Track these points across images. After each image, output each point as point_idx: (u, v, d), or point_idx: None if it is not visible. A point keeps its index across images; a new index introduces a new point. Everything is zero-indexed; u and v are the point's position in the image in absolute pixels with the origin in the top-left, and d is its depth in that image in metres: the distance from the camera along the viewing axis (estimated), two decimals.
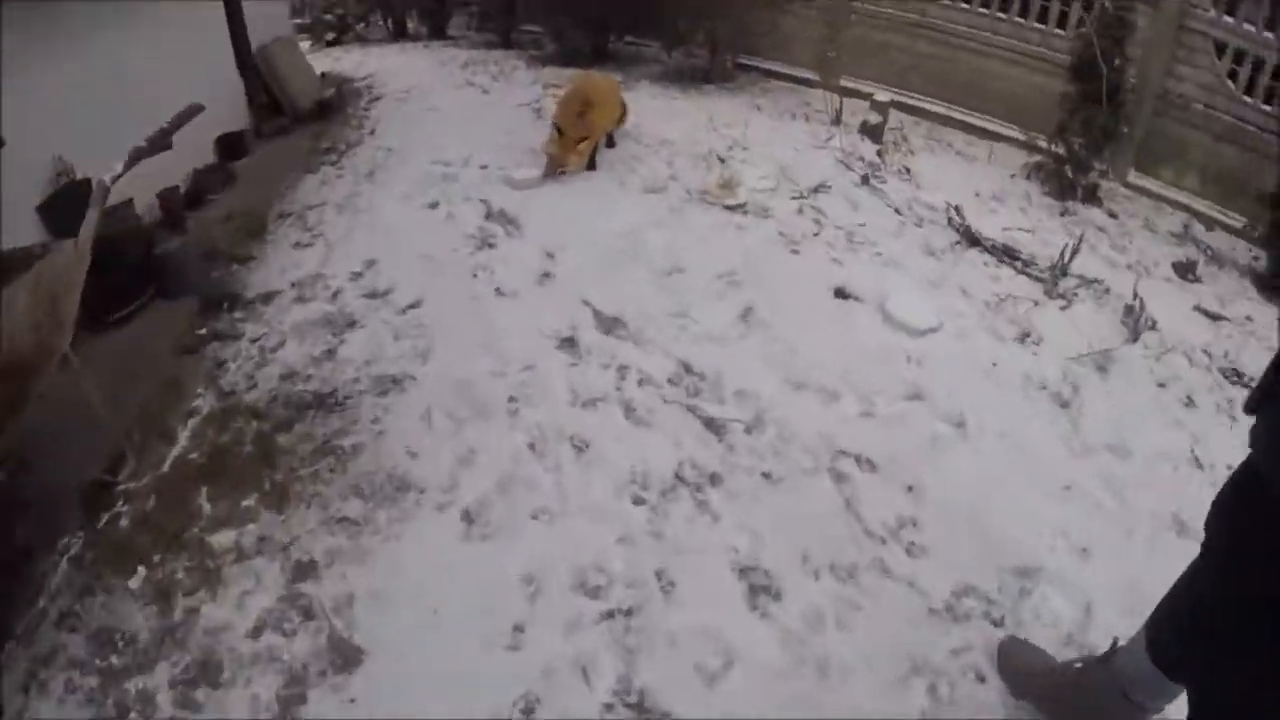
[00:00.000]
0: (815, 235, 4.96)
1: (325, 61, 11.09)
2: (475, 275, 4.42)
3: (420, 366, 3.63)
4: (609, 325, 3.90)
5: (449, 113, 7.49)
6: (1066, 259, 4.33)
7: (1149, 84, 5.89)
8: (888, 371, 3.49)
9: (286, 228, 5.32)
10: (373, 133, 7.26)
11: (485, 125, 6.97)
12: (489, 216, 5.12)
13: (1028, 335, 3.81)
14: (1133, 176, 6.39)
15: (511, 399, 3.40)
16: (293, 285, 4.48)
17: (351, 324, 4.06)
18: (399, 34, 12.66)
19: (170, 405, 3.41)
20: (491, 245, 4.77)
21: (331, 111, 8.16)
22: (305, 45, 12.97)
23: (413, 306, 4.14)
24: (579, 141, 5.42)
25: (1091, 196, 5.72)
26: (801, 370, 3.57)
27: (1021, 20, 6.99)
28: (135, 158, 2.92)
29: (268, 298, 4.38)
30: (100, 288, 3.12)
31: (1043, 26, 6.70)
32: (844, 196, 5.55)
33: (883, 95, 6.97)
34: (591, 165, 5.72)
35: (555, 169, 5.49)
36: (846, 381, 3.50)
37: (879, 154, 6.35)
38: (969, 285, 4.25)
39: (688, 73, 8.75)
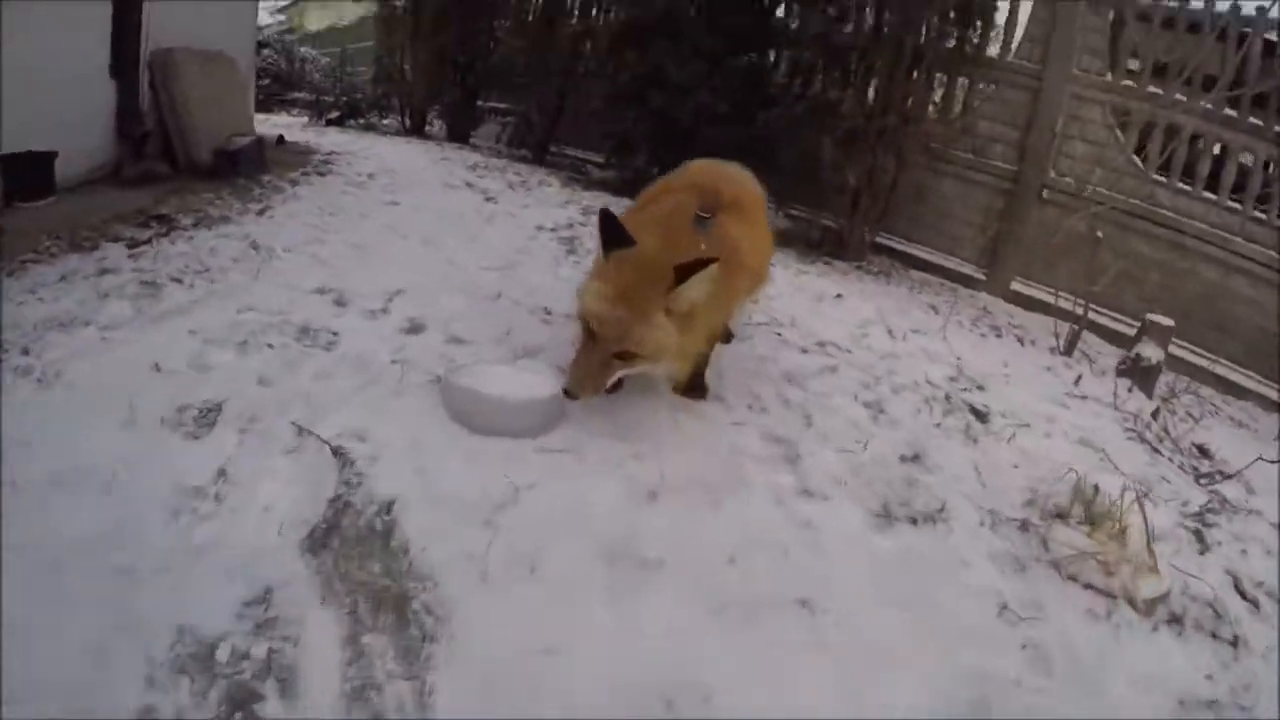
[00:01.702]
0: None
1: (307, 134, 8.03)
2: None
3: None
4: None
5: (415, 214, 4.15)
6: None
7: None
8: None
9: None
10: (265, 212, 3.88)
11: (469, 247, 3.55)
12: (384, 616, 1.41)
13: None
14: None
15: None
16: None
17: None
18: (415, 130, 9.78)
19: None
20: None
21: (235, 169, 4.83)
22: (301, 120, 10.25)
23: None
24: (673, 282, 1.71)
25: None
26: None
27: None
28: None
29: None
30: None
31: None
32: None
33: (1160, 318, 3.96)
34: (697, 386, 2.21)
35: (599, 380, 1.79)
36: None
37: (1155, 417, 3.36)
38: None
39: (798, 236, 5.64)
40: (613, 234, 1.79)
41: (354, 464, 1.59)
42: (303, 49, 14.58)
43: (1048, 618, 1.62)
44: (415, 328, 2.40)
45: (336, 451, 1.61)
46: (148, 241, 3.21)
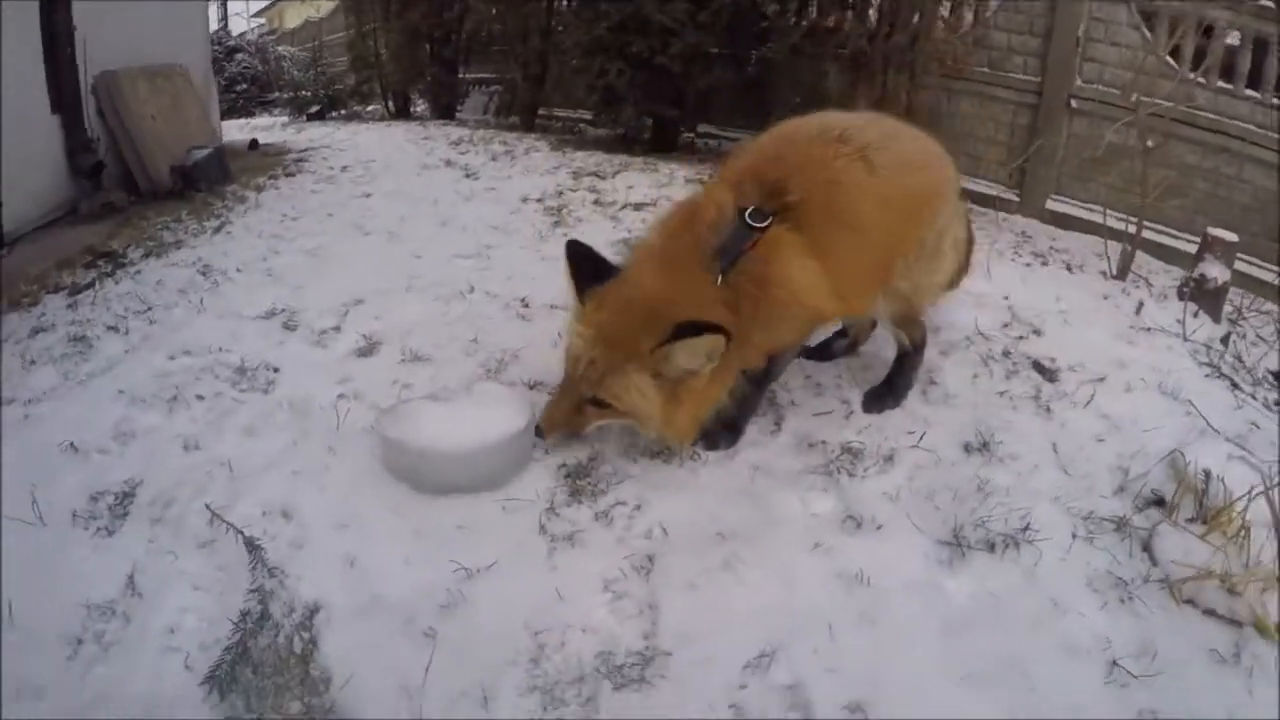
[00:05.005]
0: None
1: (285, 133, 7.67)
2: None
3: None
4: None
5: (386, 204, 3.79)
6: None
7: None
8: None
9: None
10: (222, 229, 3.54)
11: (441, 235, 3.17)
12: None
13: None
14: None
15: None
16: None
17: None
18: (400, 113, 9.35)
19: None
20: None
21: (195, 184, 4.50)
22: (282, 120, 9.85)
23: None
24: (666, 337, 1.35)
25: None
26: None
27: None
28: None
29: None
30: None
31: None
32: None
33: (1222, 232, 3.40)
34: (711, 434, 1.64)
35: (571, 424, 1.52)
36: None
37: (1225, 343, 2.94)
38: None
39: None
40: (585, 270, 1.44)
41: (270, 561, 1.25)
42: (279, 48, 14.14)
43: (1164, 667, 1.23)
44: (369, 348, 2.05)
45: (251, 545, 1.27)
46: (90, 285, 2.91)
